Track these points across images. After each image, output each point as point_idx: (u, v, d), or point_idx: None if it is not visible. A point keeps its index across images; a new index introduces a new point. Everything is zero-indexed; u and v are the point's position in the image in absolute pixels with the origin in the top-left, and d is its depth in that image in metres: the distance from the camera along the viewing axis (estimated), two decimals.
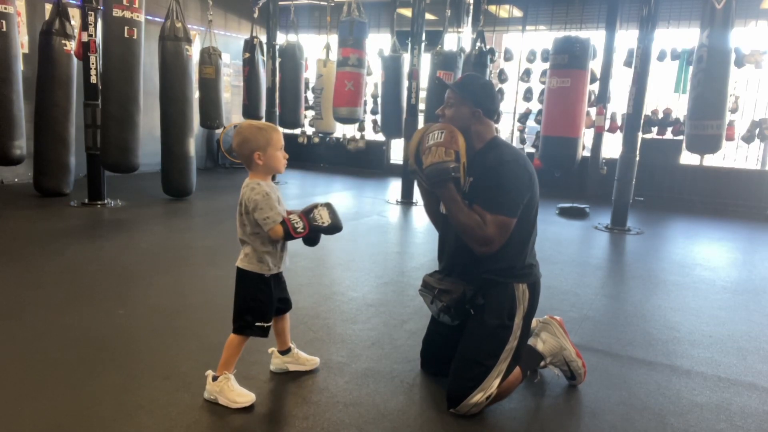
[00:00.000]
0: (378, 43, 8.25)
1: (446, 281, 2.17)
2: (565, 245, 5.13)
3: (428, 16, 7.47)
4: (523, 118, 7.99)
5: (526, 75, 7.74)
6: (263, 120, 8.14)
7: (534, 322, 2.37)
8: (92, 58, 5.41)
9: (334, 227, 2.04)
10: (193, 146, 6.17)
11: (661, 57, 6.87)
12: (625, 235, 5.69)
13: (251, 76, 8.05)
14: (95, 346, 2.48)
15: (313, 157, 9.75)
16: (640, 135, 5.89)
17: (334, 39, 7.04)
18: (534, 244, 2.21)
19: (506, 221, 2.03)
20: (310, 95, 8.50)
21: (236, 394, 2.04)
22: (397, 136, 7.47)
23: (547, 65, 6.48)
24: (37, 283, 3.32)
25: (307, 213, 2.01)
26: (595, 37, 6.43)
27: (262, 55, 8.18)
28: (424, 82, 6.86)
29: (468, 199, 2.10)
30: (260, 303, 2.08)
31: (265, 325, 2.09)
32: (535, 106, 7.78)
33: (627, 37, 7.53)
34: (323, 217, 2.01)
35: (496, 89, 7.77)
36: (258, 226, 2.01)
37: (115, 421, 1.91)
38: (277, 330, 2.30)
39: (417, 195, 6.77)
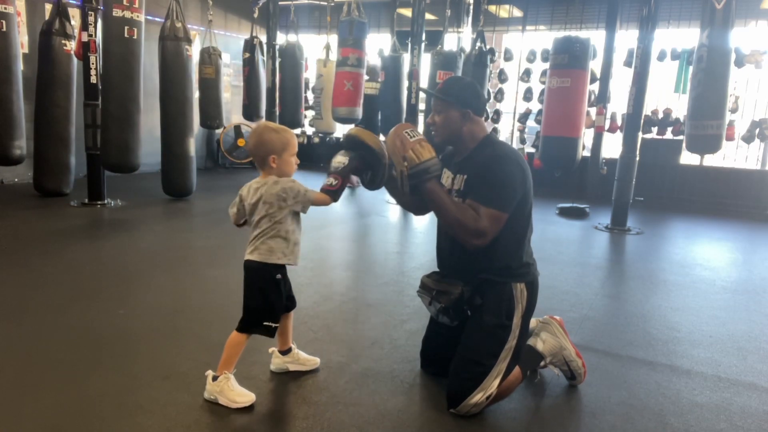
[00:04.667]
0: (378, 43, 8.26)
1: (444, 282, 2.17)
2: (565, 245, 5.13)
3: (428, 16, 7.47)
4: (523, 118, 7.99)
5: (526, 75, 7.74)
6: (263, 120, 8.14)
7: (534, 322, 2.37)
8: (92, 58, 5.41)
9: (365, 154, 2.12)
10: (193, 146, 6.17)
11: (661, 57, 6.87)
12: (625, 235, 5.69)
13: (251, 76, 8.05)
14: (95, 346, 2.48)
15: (313, 157, 9.75)
16: (640, 135, 5.89)
17: (334, 39, 7.04)
18: (530, 242, 2.21)
19: (499, 215, 2.02)
20: (310, 95, 8.50)
21: (236, 394, 2.04)
22: None
23: (547, 65, 6.48)
24: (37, 283, 3.32)
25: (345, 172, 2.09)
26: (595, 37, 6.42)
27: (262, 55, 8.18)
28: (424, 82, 6.86)
29: (463, 196, 2.10)
30: (271, 302, 2.09)
31: (273, 325, 2.10)
32: (535, 106, 7.78)
33: (627, 37, 7.53)
34: (341, 161, 2.11)
35: (497, 89, 7.76)
36: (279, 212, 2.02)
37: (115, 421, 1.91)
38: (280, 329, 2.30)
39: None
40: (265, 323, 2.08)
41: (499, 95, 7.92)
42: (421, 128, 2.51)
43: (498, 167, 2.06)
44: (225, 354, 2.08)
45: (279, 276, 2.10)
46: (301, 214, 2.11)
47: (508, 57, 7.70)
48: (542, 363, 2.32)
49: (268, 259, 2.06)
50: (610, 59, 7.43)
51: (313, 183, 2.10)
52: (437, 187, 2.07)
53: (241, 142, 9.25)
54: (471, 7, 7.99)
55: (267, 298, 2.08)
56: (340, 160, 2.10)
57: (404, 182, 2.07)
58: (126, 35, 5.23)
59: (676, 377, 2.48)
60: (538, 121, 7.10)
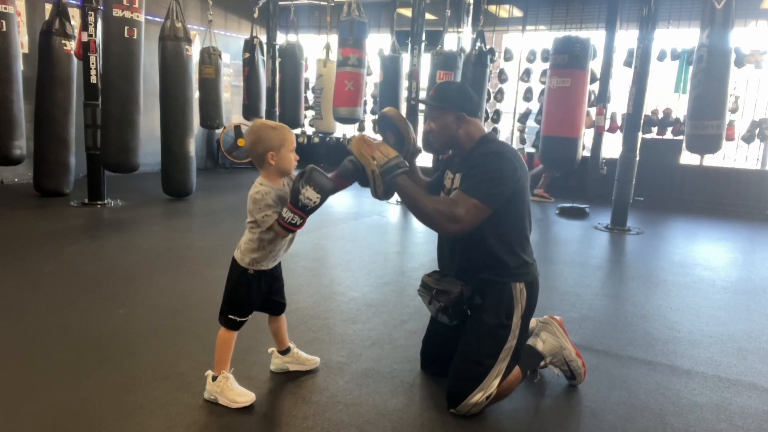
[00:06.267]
0: (378, 43, 8.26)
1: (444, 281, 2.17)
2: (565, 245, 5.13)
3: (428, 16, 7.48)
4: (523, 118, 7.99)
5: (526, 75, 7.75)
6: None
7: (534, 322, 2.37)
8: (92, 58, 5.41)
9: (325, 198, 1.99)
10: (193, 146, 6.17)
11: (661, 57, 6.87)
12: (625, 235, 5.69)
13: (251, 76, 8.05)
14: (95, 346, 2.48)
15: (314, 157, 9.73)
16: (640, 135, 5.89)
17: (334, 39, 7.04)
18: (529, 242, 2.21)
19: (479, 206, 2.01)
20: (310, 95, 8.50)
21: (236, 393, 2.04)
22: None
23: (547, 65, 6.48)
24: (37, 283, 3.32)
25: (296, 203, 1.96)
26: (595, 37, 6.43)
27: (262, 55, 8.18)
28: (424, 82, 6.86)
29: None
30: (237, 295, 2.08)
31: (237, 319, 2.08)
32: (535, 106, 7.78)
33: (627, 37, 7.53)
34: (312, 198, 1.95)
35: (497, 89, 7.75)
36: (254, 221, 2.03)
37: (115, 421, 1.91)
38: (272, 331, 2.30)
39: None
40: (230, 316, 2.08)
41: (499, 95, 7.92)
42: (421, 123, 2.57)
43: (488, 161, 2.07)
44: (217, 352, 2.09)
45: (252, 272, 2.08)
46: None
47: (508, 57, 7.71)
48: (542, 363, 2.32)
49: (242, 261, 2.07)
50: (610, 59, 7.43)
51: None
52: (408, 182, 2.09)
53: (241, 142, 9.24)
54: (471, 7, 8.00)
55: (234, 291, 2.08)
56: (311, 196, 1.93)
57: (377, 181, 2.08)
58: (126, 35, 5.23)
59: (676, 377, 2.48)
60: (538, 121, 7.10)
